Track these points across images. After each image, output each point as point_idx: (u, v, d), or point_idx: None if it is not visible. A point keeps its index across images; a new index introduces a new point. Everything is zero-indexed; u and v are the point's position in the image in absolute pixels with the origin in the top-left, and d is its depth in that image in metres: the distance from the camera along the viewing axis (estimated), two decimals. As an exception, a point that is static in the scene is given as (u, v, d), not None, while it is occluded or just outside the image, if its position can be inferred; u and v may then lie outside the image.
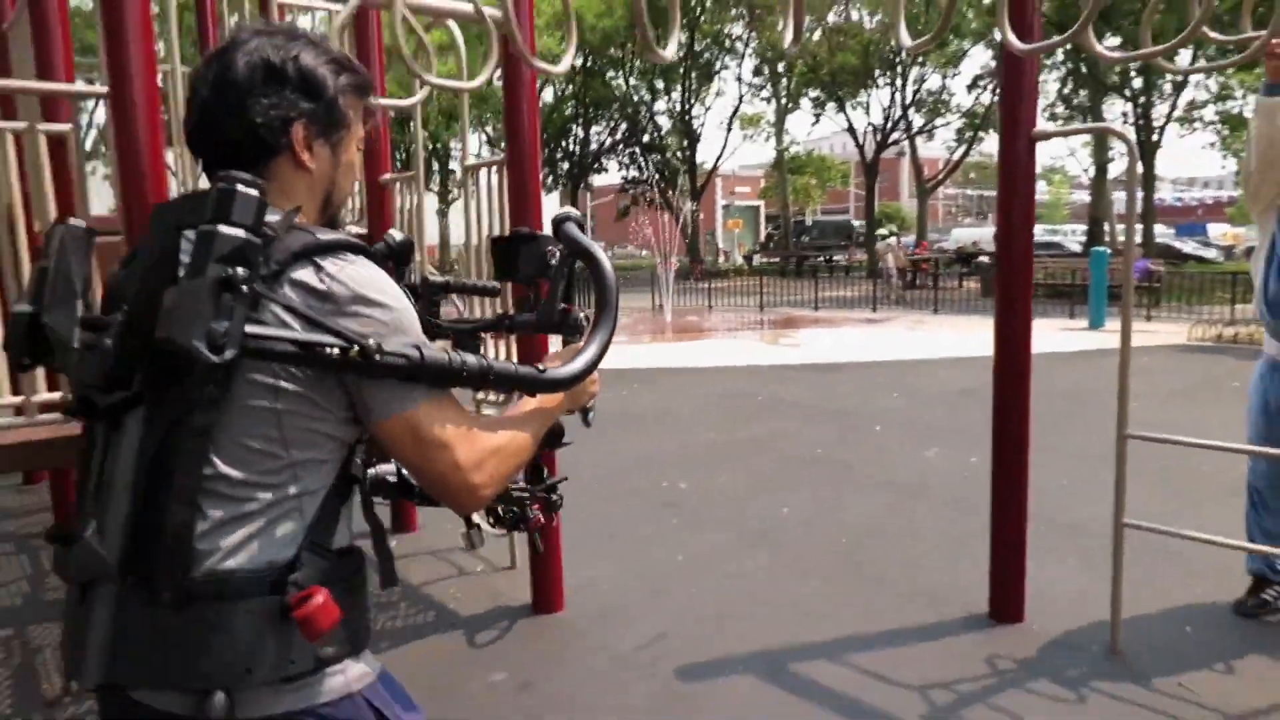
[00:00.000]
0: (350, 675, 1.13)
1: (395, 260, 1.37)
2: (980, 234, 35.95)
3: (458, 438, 1.09)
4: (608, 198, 41.57)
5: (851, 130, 28.44)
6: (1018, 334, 3.34)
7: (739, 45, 30.28)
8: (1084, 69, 23.34)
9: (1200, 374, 8.80)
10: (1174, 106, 23.71)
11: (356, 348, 0.97)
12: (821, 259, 30.76)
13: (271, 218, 1.03)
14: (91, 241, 1.12)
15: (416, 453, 1.09)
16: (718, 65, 30.85)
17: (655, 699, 2.87)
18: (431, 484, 1.13)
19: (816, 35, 27.83)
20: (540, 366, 1.16)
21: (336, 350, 0.97)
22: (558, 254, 1.31)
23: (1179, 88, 23.21)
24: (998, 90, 22.11)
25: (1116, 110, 25.15)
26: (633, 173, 33.46)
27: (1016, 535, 3.33)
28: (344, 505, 1.15)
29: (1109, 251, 13.14)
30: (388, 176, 4.22)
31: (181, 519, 1.01)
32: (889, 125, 27.72)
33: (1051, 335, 11.69)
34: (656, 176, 30.96)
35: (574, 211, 1.32)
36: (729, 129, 31.49)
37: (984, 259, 24.12)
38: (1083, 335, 12.44)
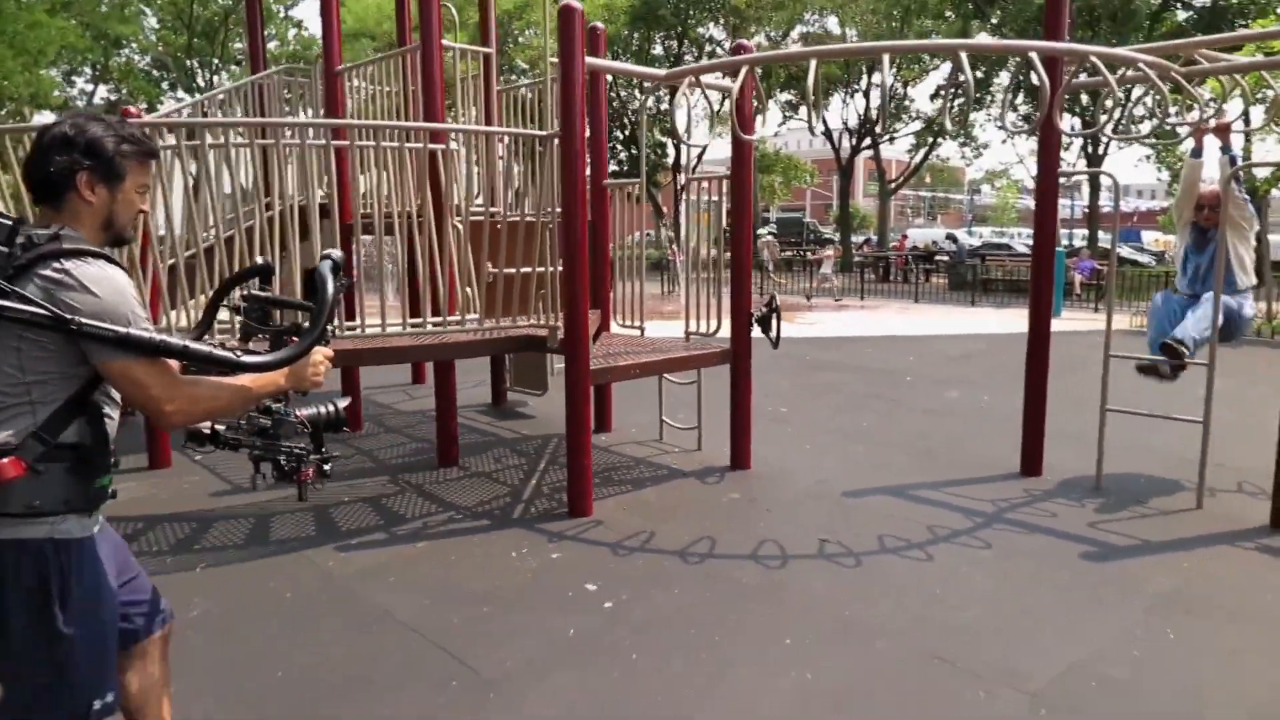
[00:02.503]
0: (58, 528, 1.69)
1: (256, 275, 2.06)
2: (933, 234, 38.52)
3: (155, 381, 1.69)
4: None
5: (828, 133, 30.59)
6: (1043, 311, 5.33)
7: (719, 50, 32.23)
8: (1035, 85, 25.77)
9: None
10: (1118, 121, 26.27)
11: (71, 320, 1.58)
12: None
13: (41, 230, 1.68)
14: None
15: (126, 385, 1.70)
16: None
17: (831, 509, 4.82)
18: (138, 407, 1.74)
19: (795, 43, 30.01)
20: (238, 354, 1.77)
21: (46, 316, 1.57)
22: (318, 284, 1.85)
23: (1122, 105, 25.78)
24: (951, 98, 23.95)
25: (1064, 124, 27.72)
26: (612, 166, 35.22)
27: (1038, 427, 5.33)
28: (78, 417, 1.70)
29: (1065, 252, 15.47)
30: (609, 182, 6.06)
31: None
32: (863, 129, 29.89)
33: (1021, 321, 13.98)
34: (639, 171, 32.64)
35: (335, 253, 1.89)
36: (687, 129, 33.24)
37: (943, 258, 26.62)
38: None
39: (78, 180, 1.76)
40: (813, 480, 5.29)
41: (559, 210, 4.61)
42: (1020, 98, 27.64)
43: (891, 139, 34.14)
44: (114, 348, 1.65)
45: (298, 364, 1.86)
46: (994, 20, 26.12)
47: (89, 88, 28.43)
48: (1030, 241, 25.35)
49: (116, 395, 1.82)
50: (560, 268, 4.73)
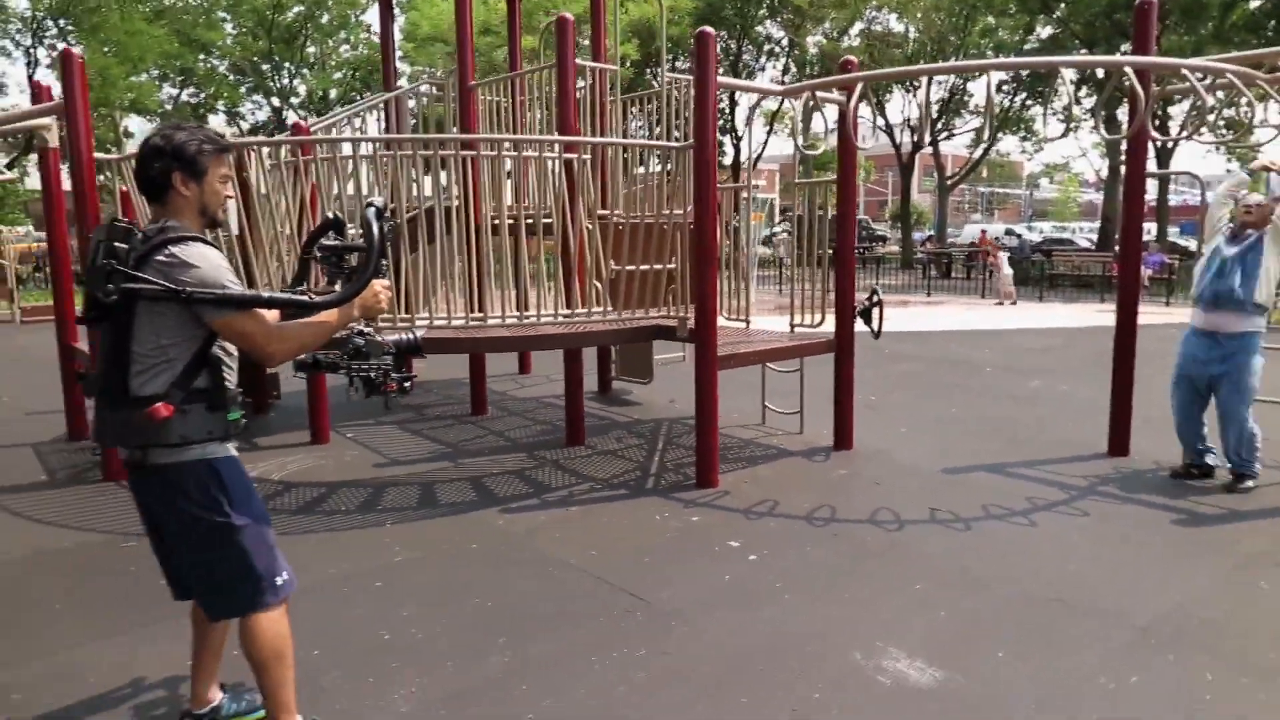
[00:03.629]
0: (207, 450, 2.27)
1: (331, 228, 2.45)
2: (992, 230, 38.26)
3: (255, 329, 2.22)
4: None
5: (889, 129, 30.70)
6: (1130, 302, 5.71)
7: (779, 49, 32.52)
8: (1100, 74, 25.62)
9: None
10: (1200, 124, 25.90)
11: (181, 290, 2.10)
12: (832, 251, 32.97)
13: (152, 226, 2.21)
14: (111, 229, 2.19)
15: (234, 337, 2.24)
16: (756, 67, 33.07)
17: (935, 483, 5.28)
18: (248, 351, 2.26)
19: (854, 40, 30.20)
20: (310, 297, 2.28)
21: (164, 290, 2.10)
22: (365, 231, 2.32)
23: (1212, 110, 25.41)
24: (1017, 94, 24.01)
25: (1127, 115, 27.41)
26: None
27: (1125, 410, 5.72)
28: (204, 367, 2.24)
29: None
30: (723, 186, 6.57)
31: (121, 370, 2.20)
32: (925, 125, 29.91)
33: (1091, 316, 14.21)
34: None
35: (378, 200, 2.33)
36: (749, 123, 33.54)
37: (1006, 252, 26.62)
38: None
39: (173, 179, 2.24)
40: (912, 459, 5.76)
41: (681, 213, 5.15)
42: (1084, 91, 27.61)
43: (950, 134, 34.11)
44: (217, 307, 2.16)
45: (363, 295, 2.32)
46: (1058, 14, 26.00)
47: (174, 91, 29.83)
48: (1093, 236, 25.36)
49: (231, 347, 2.34)
50: (672, 264, 5.27)
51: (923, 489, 5.11)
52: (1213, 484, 5.08)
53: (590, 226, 5.37)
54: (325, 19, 30.46)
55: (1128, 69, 4.72)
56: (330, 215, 2.54)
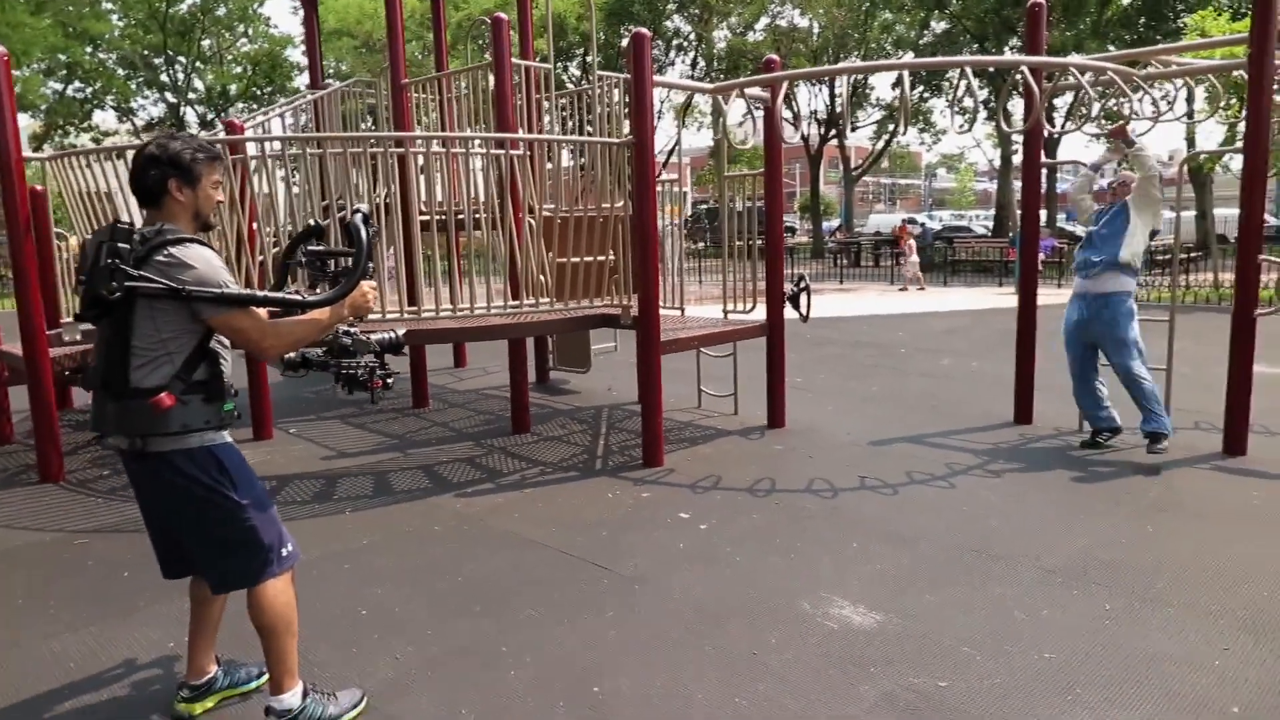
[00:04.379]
0: (205, 438, 2.40)
1: (312, 235, 2.63)
2: (893, 219, 39.80)
3: (250, 325, 2.36)
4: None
5: (797, 123, 31.53)
6: (1030, 284, 6.25)
7: (687, 44, 33.04)
8: (990, 72, 26.99)
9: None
10: (1085, 117, 27.53)
11: (181, 288, 2.24)
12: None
13: (150, 229, 2.32)
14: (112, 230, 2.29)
15: (231, 333, 2.38)
16: (666, 62, 33.51)
17: (863, 454, 5.69)
18: (243, 346, 2.44)
19: (759, 35, 30.96)
20: (303, 295, 2.43)
21: (164, 288, 2.23)
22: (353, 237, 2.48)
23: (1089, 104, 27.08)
24: (914, 87, 24.93)
25: (1018, 108, 29.03)
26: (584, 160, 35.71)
27: (1028, 382, 6.26)
28: (202, 360, 2.37)
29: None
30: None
31: (122, 363, 2.32)
32: (845, 120, 30.88)
33: (992, 298, 15.09)
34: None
35: (364, 207, 2.49)
36: (681, 121, 34.06)
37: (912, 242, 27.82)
38: (1014, 298, 15.82)
39: (169, 186, 2.36)
40: (841, 434, 6.17)
41: (619, 206, 5.41)
42: (978, 83, 28.99)
43: (855, 127, 35.26)
44: (215, 304, 2.30)
45: (351, 295, 2.46)
46: (950, 9, 27.23)
47: (58, 86, 28.38)
48: (989, 224, 26.66)
49: (227, 342, 2.49)
50: (609, 257, 5.52)
51: (852, 459, 5.50)
52: (1104, 447, 5.63)
53: (532, 221, 5.57)
54: (222, 11, 29.43)
55: (1024, 68, 5.20)
56: (311, 223, 2.70)
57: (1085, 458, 5.38)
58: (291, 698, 2.58)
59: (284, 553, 2.56)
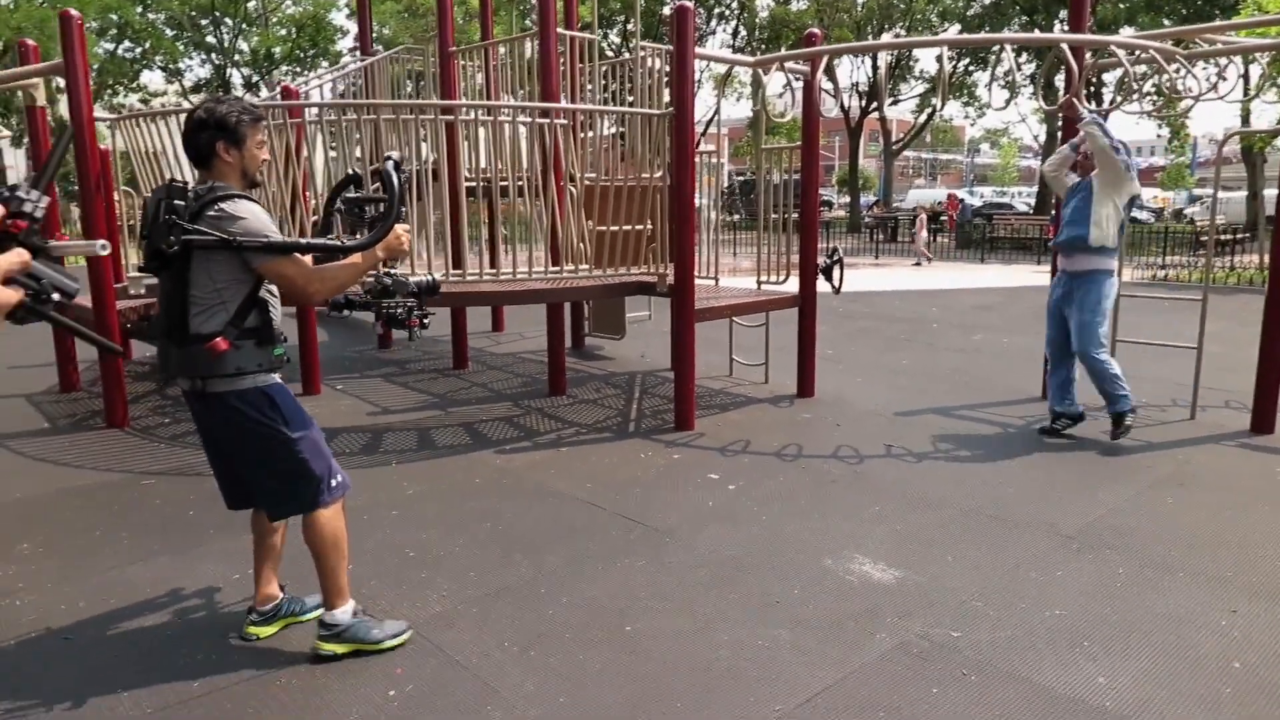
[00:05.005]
0: (258, 380, 2.61)
1: (350, 184, 2.80)
2: (935, 195, 39.33)
3: (296, 272, 2.57)
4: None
5: (837, 95, 31.24)
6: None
7: (729, 12, 32.73)
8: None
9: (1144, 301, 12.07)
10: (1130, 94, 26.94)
11: (232, 239, 2.45)
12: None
13: (202, 187, 2.53)
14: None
15: (278, 279, 2.59)
16: (707, 30, 33.24)
17: (890, 424, 5.82)
18: (289, 292, 2.64)
19: (802, 4, 30.57)
20: (342, 241, 2.65)
21: (217, 240, 2.45)
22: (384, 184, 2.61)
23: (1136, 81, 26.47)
24: (960, 60, 24.74)
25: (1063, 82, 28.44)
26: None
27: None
28: (253, 308, 2.57)
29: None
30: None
31: (182, 313, 2.54)
32: (882, 97, 30.54)
33: (1028, 276, 15.01)
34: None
35: (395, 154, 2.63)
36: (697, 86, 33.81)
37: (944, 217, 27.59)
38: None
39: (217, 148, 2.57)
40: (868, 404, 6.30)
41: (657, 176, 5.54)
42: (1024, 58, 28.47)
43: (896, 100, 34.82)
44: (262, 253, 2.51)
45: (386, 239, 2.63)
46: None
47: (110, 46, 28.85)
48: (1031, 201, 26.35)
49: (276, 291, 2.69)
50: (645, 226, 5.66)
51: (878, 429, 5.64)
52: (1131, 421, 5.70)
53: (573, 190, 5.73)
54: (268, -28, 29.72)
55: (1064, 46, 5.22)
56: (350, 171, 2.88)
57: (1110, 430, 5.46)
58: (341, 614, 2.83)
59: (333, 483, 2.80)
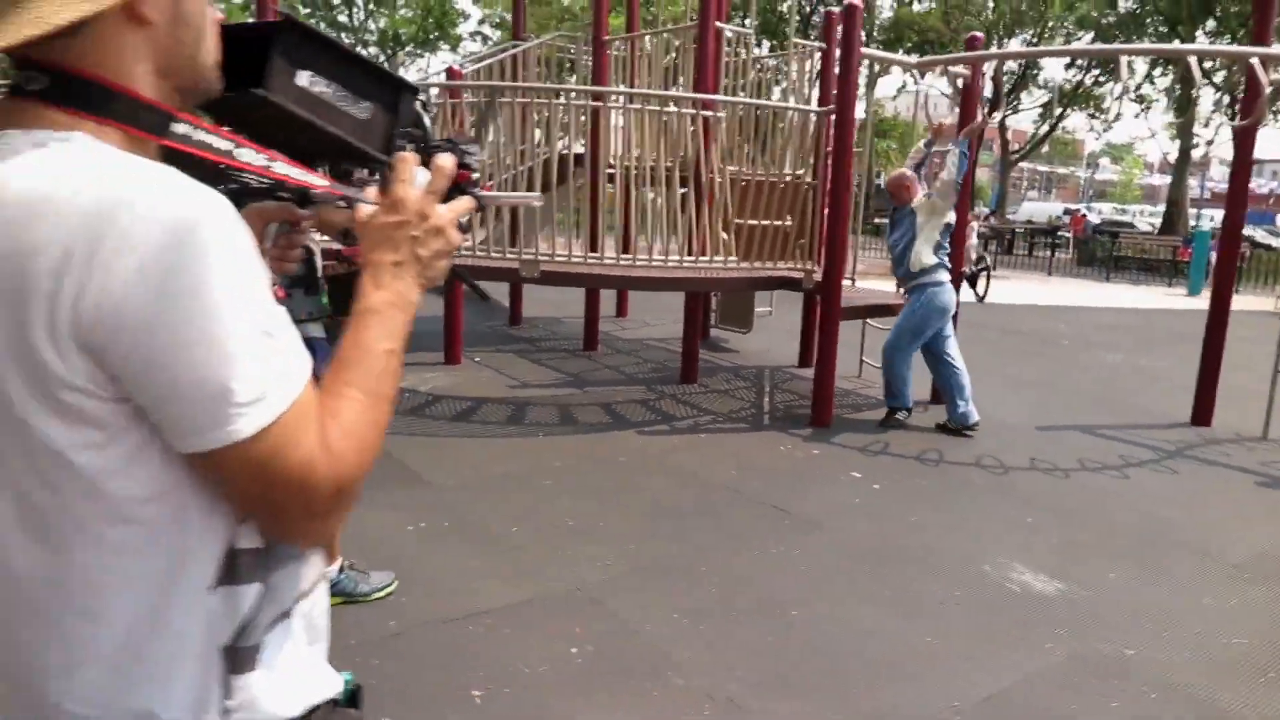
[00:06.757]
0: (305, 329, 2.54)
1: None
2: (1050, 209, 37.82)
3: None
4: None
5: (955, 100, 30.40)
6: (1225, 286, 6.03)
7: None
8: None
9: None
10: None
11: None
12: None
13: None
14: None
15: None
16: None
17: (1031, 438, 5.69)
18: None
19: (927, 5, 29.85)
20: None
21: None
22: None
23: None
24: (1089, 70, 23.79)
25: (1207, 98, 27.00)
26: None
27: (1211, 383, 6.08)
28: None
29: (1210, 232, 15.62)
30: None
31: None
32: (1001, 106, 29.58)
33: (1160, 298, 14.36)
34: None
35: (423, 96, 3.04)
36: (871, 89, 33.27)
37: (1064, 233, 26.58)
38: (1185, 299, 14.98)
39: None
40: (1006, 416, 6.19)
41: (803, 173, 5.56)
42: (1157, 71, 27.17)
43: (1016, 109, 33.61)
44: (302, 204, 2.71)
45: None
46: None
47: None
48: (1155, 221, 25.17)
49: (317, 236, 2.76)
50: (787, 222, 5.69)
51: (1019, 441, 5.55)
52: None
53: (721, 180, 5.80)
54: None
55: (1254, 60, 5.02)
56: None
57: (1271, 464, 5.23)
58: (331, 569, 2.95)
59: None
